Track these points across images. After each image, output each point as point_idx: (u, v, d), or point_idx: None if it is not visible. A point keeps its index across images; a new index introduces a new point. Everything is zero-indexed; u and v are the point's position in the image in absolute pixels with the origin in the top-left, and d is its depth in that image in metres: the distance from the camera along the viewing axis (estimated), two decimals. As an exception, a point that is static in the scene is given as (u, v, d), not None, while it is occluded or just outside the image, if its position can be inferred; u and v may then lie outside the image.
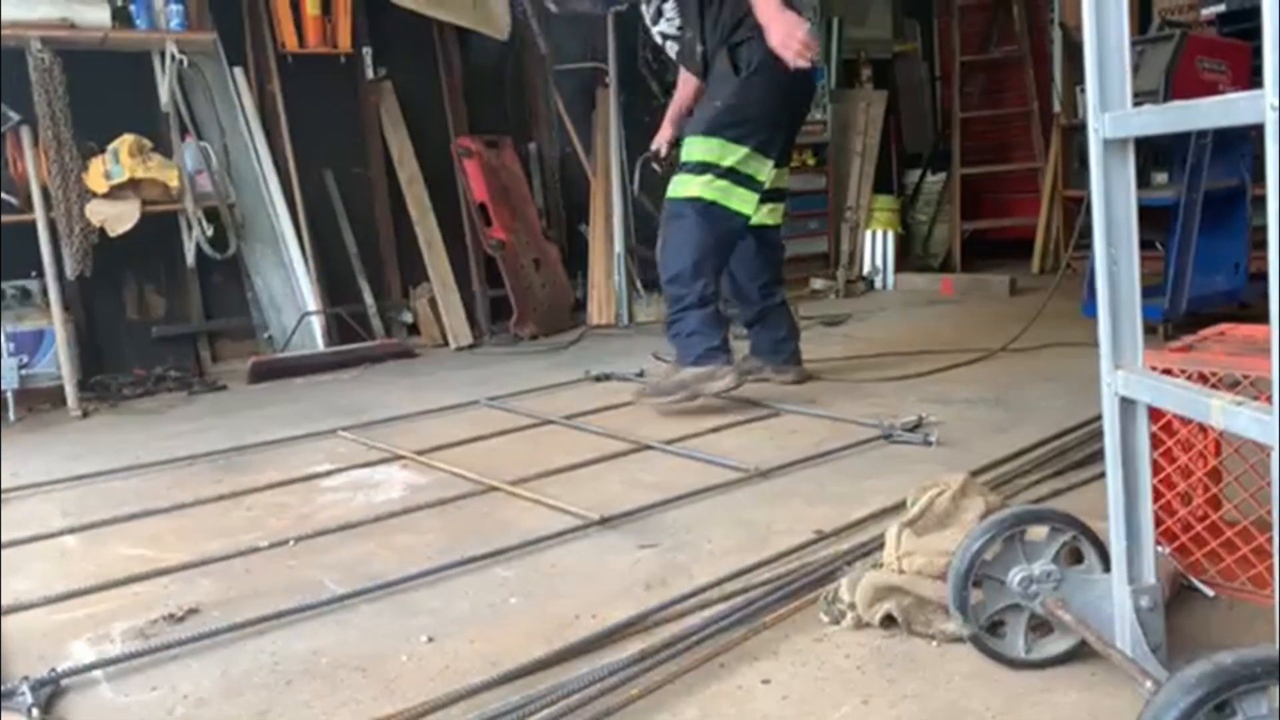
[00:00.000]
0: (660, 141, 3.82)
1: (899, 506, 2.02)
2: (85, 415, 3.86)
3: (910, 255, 6.77)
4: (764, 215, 3.51)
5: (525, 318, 5.08)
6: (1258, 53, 1.07)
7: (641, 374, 3.90)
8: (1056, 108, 6.45)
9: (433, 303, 5.03)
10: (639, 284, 5.51)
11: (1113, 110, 1.28)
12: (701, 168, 3.28)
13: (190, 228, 4.40)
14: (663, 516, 2.32)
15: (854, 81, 6.75)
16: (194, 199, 4.36)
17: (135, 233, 4.14)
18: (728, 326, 3.44)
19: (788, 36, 3.13)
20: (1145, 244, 1.31)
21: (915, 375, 3.59)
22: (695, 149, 3.32)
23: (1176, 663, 1.27)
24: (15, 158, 3.98)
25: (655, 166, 3.87)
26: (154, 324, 4.57)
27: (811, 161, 6.34)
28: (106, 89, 4.26)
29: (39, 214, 3.92)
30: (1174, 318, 3.89)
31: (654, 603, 1.80)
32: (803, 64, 3.16)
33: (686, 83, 3.73)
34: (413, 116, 5.13)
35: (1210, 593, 1.71)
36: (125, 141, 4.09)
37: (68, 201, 3.95)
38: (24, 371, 3.85)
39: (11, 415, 3.79)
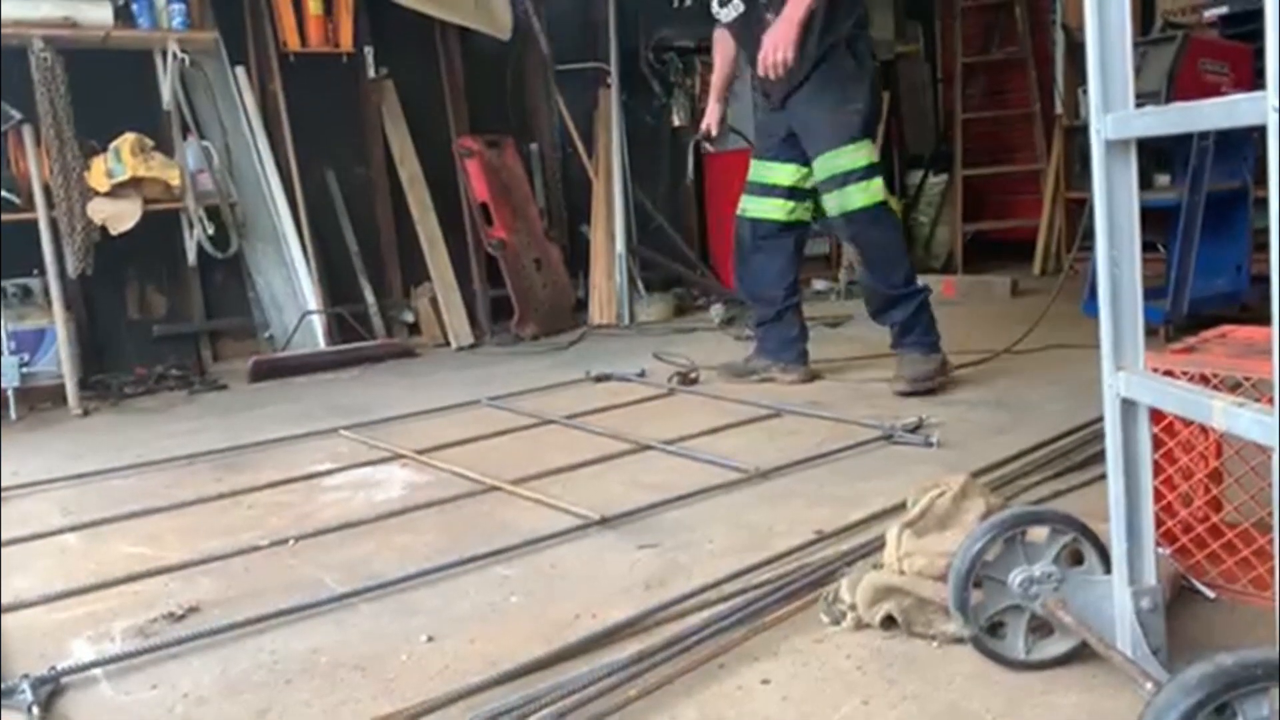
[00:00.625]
0: (711, 121, 3.78)
1: (899, 507, 2.02)
2: (86, 414, 3.86)
3: (912, 257, 6.75)
4: (801, 213, 3.53)
5: (526, 317, 5.08)
6: (1260, 54, 1.07)
7: (642, 374, 3.90)
8: (1058, 109, 6.44)
9: (434, 302, 5.03)
10: (640, 284, 5.52)
11: (1115, 111, 1.28)
12: (874, 170, 3.33)
13: (191, 226, 4.41)
14: (663, 517, 2.32)
15: (856, 83, 6.73)
16: (195, 198, 4.37)
17: (137, 231, 4.14)
18: None
19: (784, 48, 3.15)
20: (1147, 246, 1.31)
21: (916, 376, 3.58)
22: (859, 155, 3.32)
23: (1177, 664, 1.27)
24: (17, 156, 3.99)
25: (708, 146, 3.86)
26: (155, 323, 4.58)
27: (813, 163, 6.33)
28: (108, 88, 4.27)
29: (41, 212, 3.92)
30: (1175, 319, 3.89)
31: (654, 603, 1.80)
32: (761, 71, 3.23)
33: (725, 51, 3.69)
34: (414, 116, 5.14)
35: (1211, 594, 1.71)
36: (127, 140, 4.10)
37: (69, 200, 3.95)
38: (25, 370, 3.86)
39: (12, 413, 3.79)
